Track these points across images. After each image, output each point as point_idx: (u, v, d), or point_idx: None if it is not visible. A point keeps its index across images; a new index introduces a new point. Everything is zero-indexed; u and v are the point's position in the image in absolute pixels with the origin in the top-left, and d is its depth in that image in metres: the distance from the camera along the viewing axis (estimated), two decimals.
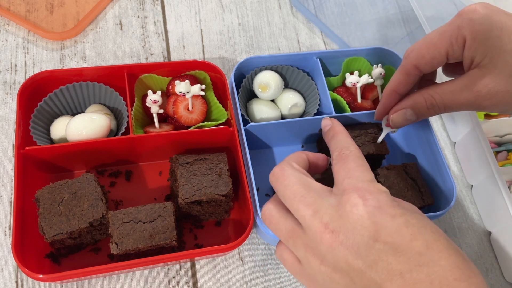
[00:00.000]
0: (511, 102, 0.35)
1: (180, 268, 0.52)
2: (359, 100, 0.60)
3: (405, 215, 0.30)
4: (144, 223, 0.45)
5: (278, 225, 0.34)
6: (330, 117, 0.56)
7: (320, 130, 0.58)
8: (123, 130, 0.52)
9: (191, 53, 0.66)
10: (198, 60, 0.56)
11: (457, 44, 0.35)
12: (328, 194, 0.33)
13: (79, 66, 0.62)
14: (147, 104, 0.53)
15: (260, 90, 0.57)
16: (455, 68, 0.42)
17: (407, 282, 0.27)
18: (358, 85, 0.59)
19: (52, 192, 0.46)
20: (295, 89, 0.60)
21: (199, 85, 0.54)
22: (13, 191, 0.52)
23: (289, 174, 0.35)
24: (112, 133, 0.53)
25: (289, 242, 0.33)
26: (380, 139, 0.55)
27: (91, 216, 0.45)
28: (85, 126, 0.50)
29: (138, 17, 0.68)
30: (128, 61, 0.64)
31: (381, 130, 0.55)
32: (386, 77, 0.61)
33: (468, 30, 0.34)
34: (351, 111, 0.58)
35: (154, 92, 0.53)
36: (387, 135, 0.62)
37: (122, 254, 0.45)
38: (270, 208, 0.36)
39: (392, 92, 0.40)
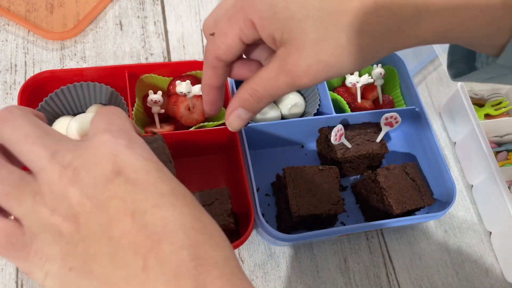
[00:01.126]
0: (326, 70, 0.30)
1: None
2: (359, 100, 0.60)
3: (159, 163, 0.27)
4: (203, 206, 0.46)
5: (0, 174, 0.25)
6: (331, 117, 0.56)
7: (320, 129, 0.58)
8: None
9: (191, 53, 0.66)
10: (199, 60, 0.56)
11: (247, 28, 0.30)
12: (72, 139, 0.28)
13: (79, 66, 0.62)
14: (148, 104, 0.53)
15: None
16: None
17: (136, 223, 0.24)
18: (358, 85, 0.59)
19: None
20: None
21: (200, 85, 0.54)
22: None
23: (20, 115, 0.26)
24: None
25: (11, 194, 0.25)
26: (379, 138, 0.55)
27: None
28: (86, 126, 0.49)
29: (138, 17, 0.68)
30: (128, 61, 0.64)
31: (380, 129, 0.56)
32: (386, 77, 0.61)
33: (251, 10, 0.30)
34: (351, 111, 0.58)
35: (155, 92, 0.53)
36: (387, 135, 0.62)
37: None
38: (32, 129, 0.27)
39: (209, 88, 0.35)
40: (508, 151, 0.61)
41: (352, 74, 0.59)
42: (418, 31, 0.29)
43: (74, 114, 0.55)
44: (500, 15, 0.29)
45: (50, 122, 0.53)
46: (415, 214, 0.55)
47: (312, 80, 0.31)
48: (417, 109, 0.58)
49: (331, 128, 0.54)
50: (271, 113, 0.57)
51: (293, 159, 0.60)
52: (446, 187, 0.54)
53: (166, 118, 0.56)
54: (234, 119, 0.35)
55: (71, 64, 0.63)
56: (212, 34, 0.33)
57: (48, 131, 0.27)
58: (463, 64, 0.37)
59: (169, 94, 0.56)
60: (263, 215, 0.55)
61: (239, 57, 0.35)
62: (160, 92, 0.53)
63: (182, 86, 0.53)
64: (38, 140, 0.26)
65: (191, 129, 0.53)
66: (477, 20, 0.29)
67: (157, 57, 0.65)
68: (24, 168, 0.26)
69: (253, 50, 0.35)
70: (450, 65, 0.38)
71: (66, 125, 0.51)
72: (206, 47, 0.34)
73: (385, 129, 0.55)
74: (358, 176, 0.60)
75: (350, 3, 0.28)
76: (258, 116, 0.57)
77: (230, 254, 0.27)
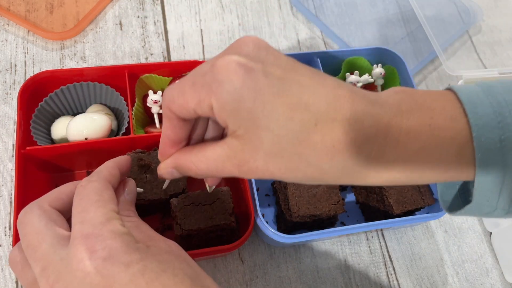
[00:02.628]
0: (270, 176, 0.30)
1: None
2: None
3: (144, 260, 0.28)
4: (204, 205, 0.47)
5: (21, 275, 0.31)
6: None
7: None
8: (123, 130, 0.52)
9: (191, 53, 0.66)
10: (199, 60, 0.56)
11: (205, 106, 0.28)
12: (64, 244, 0.29)
13: (79, 66, 0.62)
14: (147, 104, 0.53)
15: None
16: None
17: None
18: (358, 85, 0.59)
19: (141, 160, 0.48)
20: None
21: None
22: (13, 191, 0.53)
23: (30, 220, 0.31)
24: (113, 133, 0.53)
25: None
26: None
27: (173, 189, 0.48)
28: (85, 126, 0.50)
29: (138, 17, 0.68)
30: (128, 61, 0.64)
31: None
32: (386, 77, 0.61)
33: (216, 95, 0.27)
34: None
35: (155, 92, 0.53)
36: None
37: (185, 236, 0.46)
38: (14, 254, 0.32)
39: (166, 138, 0.33)
40: None
41: (352, 73, 0.59)
42: (366, 177, 0.29)
43: (74, 114, 0.55)
44: (457, 161, 0.29)
45: (50, 122, 0.53)
46: (415, 214, 0.55)
47: (257, 178, 0.30)
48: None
49: None
50: None
51: None
52: None
53: None
54: (166, 174, 0.35)
55: (71, 64, 0.63)
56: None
57: (46, 235, 0.30)
58: (455, 194, 0.35)
59: None
60: (263, 215, 0.55)
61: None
62: (160, 92, 0.53)
63: None
64: (33, 253, 0.29)
65: None
66: (433, 168, 0.29)
67: (157, 57, 0.65)
68: None
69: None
70: (442, 195, 0.36)
71: (65, 125, 0.51)
72: (164, 94, 0.32)
73: None
74: None
75: (314, 137, 0.27)
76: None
77: None
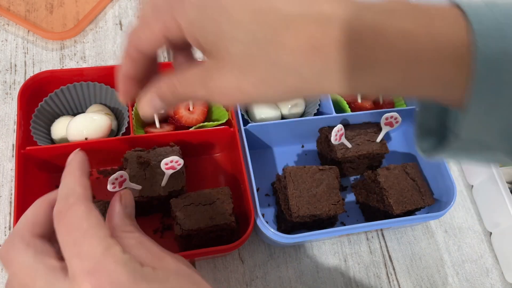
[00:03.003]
0: (243, 98, 0.27)
1: None
2: (359, 100, 0.60)
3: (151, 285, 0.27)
4: (204, 205, 0.47)
5: None
6: (331, 117, 0.56)
7: (320, 129, 0.58)
8: (123, 130, 0.52)
9: None
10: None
11: (173, 28, 0.27)
12: (61, 277, 0.27)
13: (79, 66, 0.62)
14: None
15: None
16: None
17: None
18: None
19: (141, 157, 0.48)
20: None
21: None
22: (13, 191, 0.53)
23: (15, 257, 0.28)
24: (113, 133, 0.53)
25: None
26: (379, 138, 0.55)
27: (172, 187, 0.48)
28: (85, 126, 0.50)
29: (138, 17, 0.68)
30: None
31: (380, 129, 0.56)
32: None
33: (179, 12, 0.26)
34: (351, 111, 0.58)
35: None
36: (387, 135, 0.62)
37: (185, 236, 0.46)
38: None
39: (124, 77, 0.31)
40: None
41: None
42: (354, 83, 0.26)
43: (74, 114, 0.55)
44: (454, 71, 0.25)
45: (50, 122, 0.53)
46: (415, 214, 0.55)
47: (227, 102, 0.28)
48: (417, 109, 0.58)
49: (331, 128, 0.54)
50: (271, 113, 0.57)
51: (293, 159, 0.60)
52: (446, 187, 0.54)
53: (166, 118, 0.56)
54: (146, 104, 0.32)
55: (71, 64, 0.63)
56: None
57: (38, 268, 0.27)
58: (433, 134, 0.31)
59: None
60: (263, 215, 0.55)
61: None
62: None
63: None
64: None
65: (191, 129, 0.53)
66: (428, 77, 0.25)
67: None
68: None
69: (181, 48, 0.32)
70: (419, 136, 0.32)
71: (65, 125, 0.51)
72: (127, 35, 0.31)
73: (385, 129, 0.55)
74: (358, 176, 0.60)
75: (285, 38, 0.24)
76: (258, 116, 0.57)
77: None
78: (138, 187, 0.47)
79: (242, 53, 0.25)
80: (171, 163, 0.46)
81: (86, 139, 0.50)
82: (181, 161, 0.47)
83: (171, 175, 0.48)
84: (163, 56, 0.65)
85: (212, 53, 0.27)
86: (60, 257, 0.28)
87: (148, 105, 0.31)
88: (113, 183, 0.43)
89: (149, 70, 0.32)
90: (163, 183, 0.46)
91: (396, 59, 0.25)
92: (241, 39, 0.25)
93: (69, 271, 0.27)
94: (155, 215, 0.53)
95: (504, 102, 0.24)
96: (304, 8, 0.25)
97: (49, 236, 0.30)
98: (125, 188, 0.46)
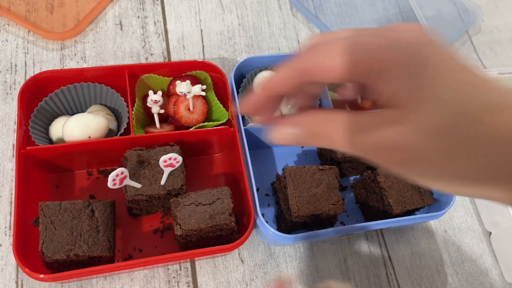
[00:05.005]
0: (409, 165, 0.24)
1: (180, 268, 0.52)
2: (359, 100, 0.60)
3: None
4: (204, 205, 0.47)
5: None
6: None
7: None
8: (122, 130, 0.52)
9: (191, 53, 0.66)
10: (199, 60, 0.56)
11: (366, 67, 0.24)
12: None
13: (79, 66, 0.62)
14: (148, 104, 0.54)
15: (260, 90, 0.57)
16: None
17: None
18: None
19: (140, 156, 0.48)
20: None
21: (200, 85, 0.54)
22: (13, 191, 0.53)
23: None
24: (112, 133, 0.53)
25: None
26: None
27: (171, 185, 0.48)
28: (78, 127, 0.49)
29: (138, 17, 0.68)
30: (128, 61, 0.64)
31: None
32: None
33: (387, 54, 0.24)
34: None
35: (155, 92, 0.53)
36: None
37: (185, 236, 0.46)
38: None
39: (270, 89, 0.29)
40: None
41: None
42: None
43: (73, 115, 0.55)
44: None
45: (50, 122, 0.53)
46: (415, 214, 0.55)
47: (383, 163, 0.25)
48: None
49: None
50: None
51: (293, 159, 0.60)
52: None
53: (166, 118, 0.56)
54: (285, 135, 0.29)
55: (71, 64, 0.63)
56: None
57: None
58: None
59: (169, 94, 0.56)
60: (263, 215, 0.55)
61: None
62: (160, 92, 0.53)
63: (182, 86, 0.53)
64: None
65: (191, 129, 0.53)
66: None
67: (157, 57, 0.65)
68: None
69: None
70: None
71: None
72: (300, 53, 0.27)
73: None
74: (358, 176, 0.60)
75: (492, 122, 0.22)
76: (258, 116, 0.57)
77: None
78: (138, 185, 0.47)
79: (444, 118, 0.23)
80: (169, 160, 0.46)
81: (89, 137, 0.50)
82: (180, 159, 0.47)
83: (171, 174, 0.48)
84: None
85: (398, 104, 0.24)
86: None
87: (290, 136, 0.29)
88: (113, 180, 0.43)
89: (290, 97, 0.30)
90: (162, 181, 0.46)
91: None
92: (452, 104, 0.23)
93: None
94: (155, 215, 0.53)
95: None
96: (508, 100, 0.23)
97: None
98: (125, 185, 0.46)
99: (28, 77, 0.60)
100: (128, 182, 0.46)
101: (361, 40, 0.24)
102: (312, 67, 0.26)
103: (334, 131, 0.26)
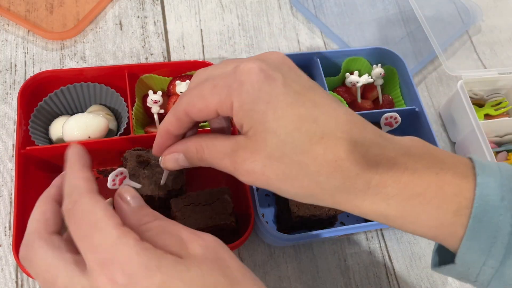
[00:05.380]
0: (264, 183, 0.30)
1: None
2: (359, 100, 0.60)
3: (166, 282, 0.25)
4: (204, 205, 0.47)
5: None
6: None
7: None
8: (122, 130, 0.52)
9: (191, 53, 0.66)
10: (199, 60, 0.56)
11: (226, 106, 0.30)
12: (80, 270, 0.27)
13: (79, 66, 0.62)
14: (147, 104, 0.54)
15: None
16: None
17: None
18: (358, 85, 0.59)
19: (140, 156, 0.48)
20: None
21: None
22: (12, 191, 0.53)
23: (34, 257, 0.28)
24: (112, 133, 0.53)
25: None
26: None
27: (171, 186, 0.48)
28: (78, 127, 0.49)
29: (138, 17, 0.68)
30: (128, 61, 0.64)
31: (380, 129, 0.56)
32: (385, 77, 0.61)
33: (236, 95, 0.29)
34: None
35: (154, 92, 0.53)
36: None
37: None
38: None
39: (165, 133, 0.34)
40: (508, 151, 0.61)
41: (352, 73, 0.59)
42: (361, 204, 0.30)
43: (73, 115, 0.55)
44: (452, 221, 0.29)
45: (49, 122, 0.53)
46: None
47: (249, 182, 0.31)
48: (417, 109, 0.58)
49: None
50: None
51: None
52: None
53: None
54: (171, 160, 0.35)
55: (71, 64, 0.63)
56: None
57: (59, 265, 0.27)
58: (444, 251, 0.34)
59: (169, 94, 0.56)
60: (263, 215, 0.55)
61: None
62: (160, 92, 0.53)
63: (182, 86, 0.53)
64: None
65: None
66: (427, 218, 0.29)
67: (157, 57, 0.65)
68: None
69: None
70: (436, 250, 0.35)
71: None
72: (180, 96, 0.33)
73: (384, 129, 0.55)
74: None
75: (316, 148, 0.28)
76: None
77: None
78: (138, 185, 0.47)
79: (276, 146, 0.29)
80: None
81: (89, 137, 0.50)
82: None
83: (171, 174, 0.48)
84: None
85: (249, 134, 0.30)
86: (78, 251, 0.28)
87: (173, 161, 0.35)
88: (113, 180, 0.43)
89: (188, 130, 0.35)
90: (162, 181, 0.46)
91: (403, 195, 0.29)
92: (282, 137, 0.28)
93: (87, 266, 0.27)
94: None
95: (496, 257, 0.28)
96: (339, 127, 0.29)
97: (61, 231, 0.31)
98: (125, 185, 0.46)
99: (27, 77, 0.60)
100: (128, 182, 0.46)
101: (220, 84, 0.30)
102: (188, 110, 0.31)
103: (207, 155, 0.33)
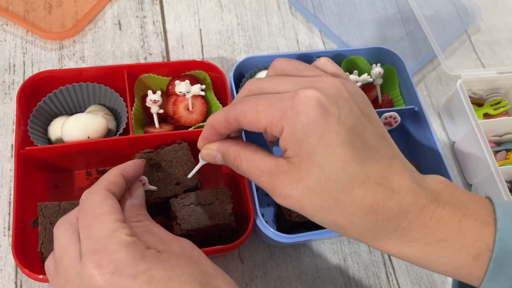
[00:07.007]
0: (298, 209, 0.32)
1: None
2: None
3: (150, 270, 0.29)
4: (204, 205, 0.47)
5: (53, 283, 0.34)
6: None
7: None
8: (121, 130, 0.52)
9: (190, 53, 0.66)
10: (198, 60, 0.56)
11: (276, 127, 0.31)
12: (80, 259, 0.31)
13: (78, 66, 0.62)
14: (147, 104, 0.53)
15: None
16: None
17: None
18: (358, 85, 0.59)
19: (151, 159, 0.48)
20: None
21: (199, 85, 0.53)
22: (12, 192, 0.52)
23: (58, 235, 0.34)
24: (112, 133, 0.53)
25: None
26: None
27: (186, 185, 0.48)
28: (77, 127, 0.49)
29: (137, 16, 0.68)
30: (127, 61, 0.64)
31: None
32: (385, 77, 0.61)
33: (289, 122, 0.30)
34: None
35: (154, 92, 0.53)
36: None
37: (185, 236, 0.46)
38: (48, 264, 0.35)
39: (212, 128, 0.36)
40: (507, 150, 0.61)
41: (351, 73, 0.59)
42: (386, 244, 0.32)
43: (72, 115, 0.55)
44: (472, 265, 0.31)
45: (48, 122, 0.53)
46: None
47: (283, 204, 0.32)
48: (416, 109, 0.58)
49: None
50: None
51: None
52: None
53: (165, 118, 0.56)
54: (209, 156, 0.37)
55: (70, 64, 0.62)
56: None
57: (64, 254, 0.32)
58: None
59: (168, 94, 0.56)
60: (262, 215, 0.55)
61: None
62: (159, 92, 0.53)
63: (181, 86, 0.53)
64: (58, 268, 0.32)
65: (190, 129, 0.53)
66: (448, 260, 0.31)
67: (156, 57, 0.65)
68: None
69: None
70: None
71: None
72: (234, 101, 0.34)
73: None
74: None
75: (355, 190, 0.30)
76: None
77: None
78: (154, 188, 0.47)
79: (319, 181, 0.30)
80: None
81: (88, 137, 0.49)
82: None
83: (185, 173, 0.48)
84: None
85: (292, 160, 0.31)
86: None
87: (212, 157, 0.37)
88: None
89: (233, 132, 0.36)
90: (190, 174, 0.46)
91: (427, 239, 0.31)
92: (326, 174, 0.30)
93: (81, 252, 0.31)
94: (156, 217, 0.53)
95: None
96: (381, 173, 0.30)
97: None
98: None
99: (26, 77, 0.60)
100: (148, 187, 0.46)
101: (277, 105, 0.31)
102: (240, 119, 0.32)
103: (244, 167, 0.34)
